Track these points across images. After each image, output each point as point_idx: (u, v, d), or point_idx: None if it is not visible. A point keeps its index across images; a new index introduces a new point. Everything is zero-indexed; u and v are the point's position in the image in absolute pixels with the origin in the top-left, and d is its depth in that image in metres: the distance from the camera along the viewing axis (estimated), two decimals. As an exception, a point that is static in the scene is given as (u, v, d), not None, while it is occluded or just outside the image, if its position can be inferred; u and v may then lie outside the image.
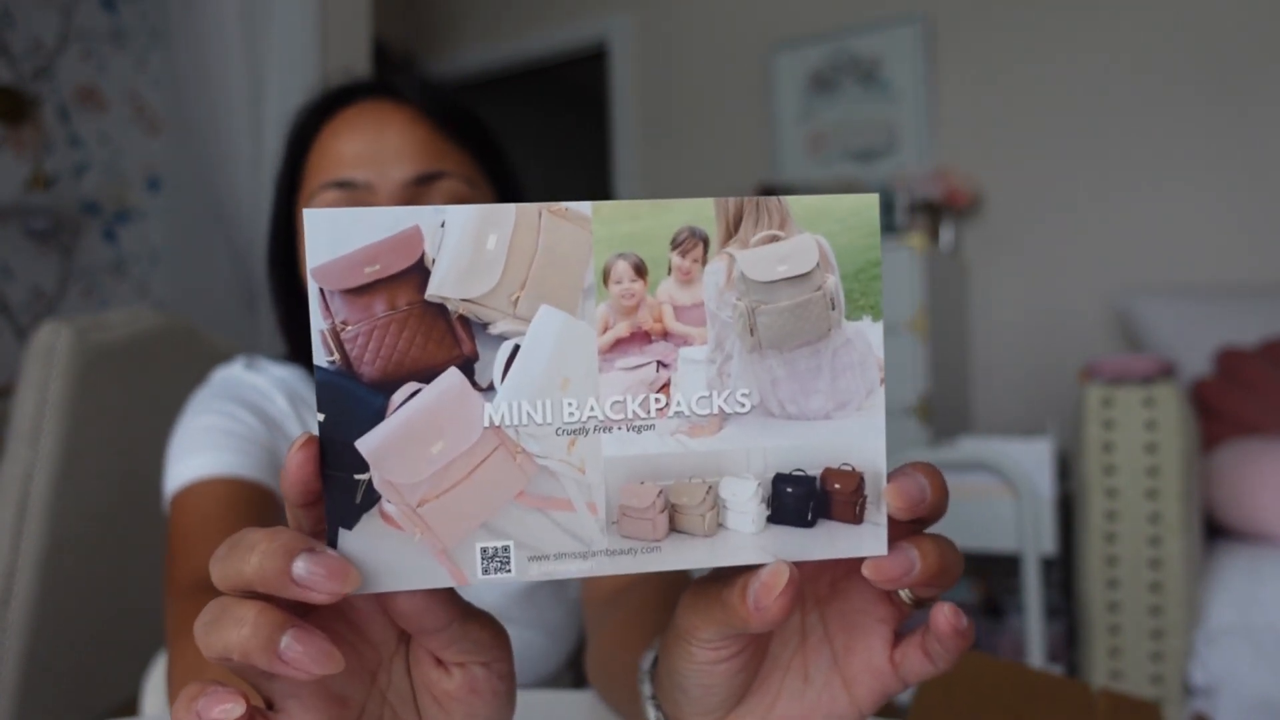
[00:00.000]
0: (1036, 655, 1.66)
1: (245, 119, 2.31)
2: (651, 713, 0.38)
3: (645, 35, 3.32)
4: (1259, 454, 1.70)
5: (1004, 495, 1.74)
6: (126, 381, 1.12)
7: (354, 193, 0.68)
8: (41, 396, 1.01)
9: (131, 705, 1.09)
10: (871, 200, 0.30)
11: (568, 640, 0.80)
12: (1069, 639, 1.89)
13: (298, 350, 0.78)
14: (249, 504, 0.66)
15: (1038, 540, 1.69)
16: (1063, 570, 1.96)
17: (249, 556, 0.26)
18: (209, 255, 2.62)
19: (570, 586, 0.79)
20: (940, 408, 2.40)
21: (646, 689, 0.39)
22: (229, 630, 0.26)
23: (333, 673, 0.27)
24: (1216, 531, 1.81)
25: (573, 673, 0.83)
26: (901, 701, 1.62)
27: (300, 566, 0.26)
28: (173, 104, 2.91)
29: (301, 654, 0.26)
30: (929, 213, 2.60)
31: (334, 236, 0.28)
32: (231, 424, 0.70)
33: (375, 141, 0.69)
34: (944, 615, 0.31)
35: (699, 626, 0.32)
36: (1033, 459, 1.76)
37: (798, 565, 0.30)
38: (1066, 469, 1.94)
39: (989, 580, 2.02)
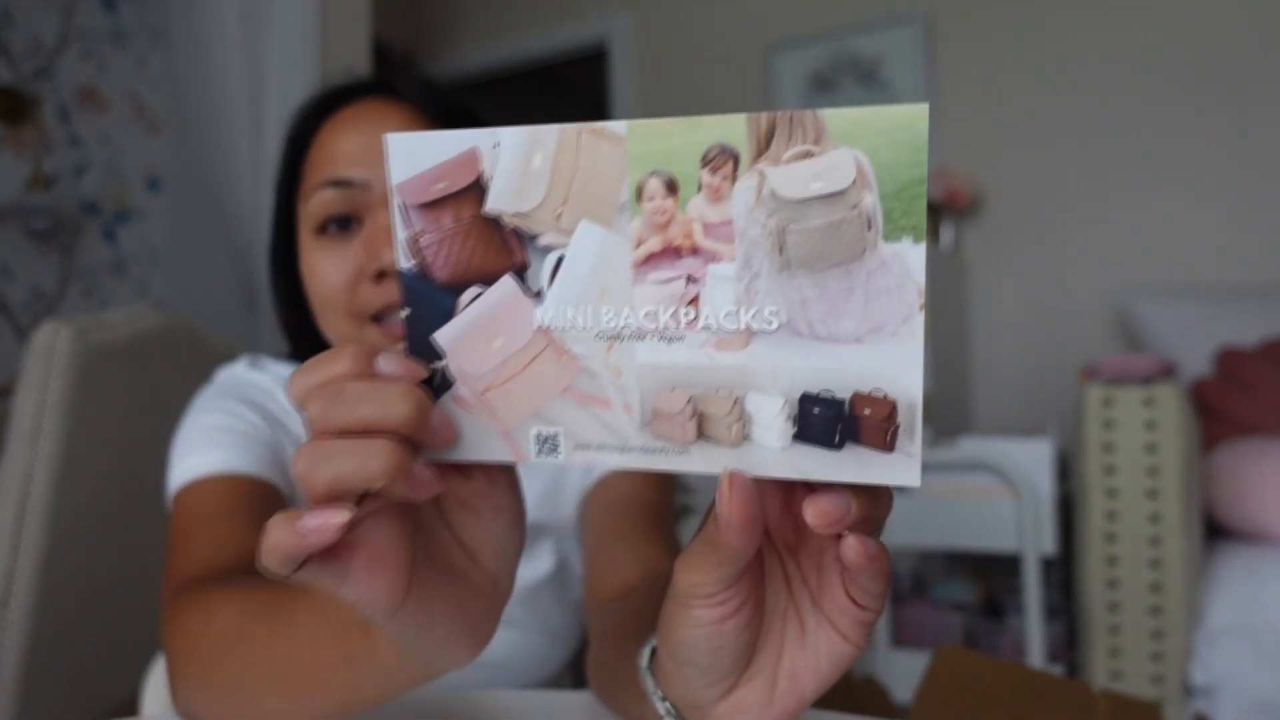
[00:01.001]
0: (1036, 655, 1.66)
1: (245, 119, 2.31)
2: (660, 705, 0.38)
3: (645, 35, 3.32)
4: (1259, 454, 1.70)
5: (1004, 495, 1.74)
6: (126, 382, 1.12)
7: (351, 191, 0.68)
8: (41, 397, 1.01)
9: (131, 705, 1.09)
10: (921, 111, 0.28)
11: (569, 643, 0.80)
12: (1069, 639, 1.89)
13: (300, 349, 0.78)
14: (252, 501, 0.66)
15: (1038, 540, 1.69)
16: (1063, 570, 1.96)
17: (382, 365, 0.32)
18: (209, 255, 2.62)
19: (572, 589, 0.79)
20: (940, 408, 2.40)
21: (650, 684, 0.39)
22: (372, 460, 0.29)
23: (441, 491, 0.32)
24: (1216, 532, 1.81)
25: (573, 674, 0.83)
26: (902, 701, 1.63)
27: (383, 362, 0.32)
28: (173, 104, 2.91)
29: (428, 479, 0.31)
30: (929, 213, 2.60)
31: (410, 157, 0.32)
32: (235, 422, 0.70)
33: (372, 140, 0.69)
34: (850, 546, 0.31)
35: (698, 580, 0.33)
36: (1033, 459, 1.76)
37: (816, 488, 0.30)
38: (1066, 469, 1.94)
39: (989, 580, 2.02)
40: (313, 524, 0.29)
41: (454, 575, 0.35)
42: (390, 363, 0.32)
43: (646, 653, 0.40)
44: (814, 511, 0.30)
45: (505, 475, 0.35)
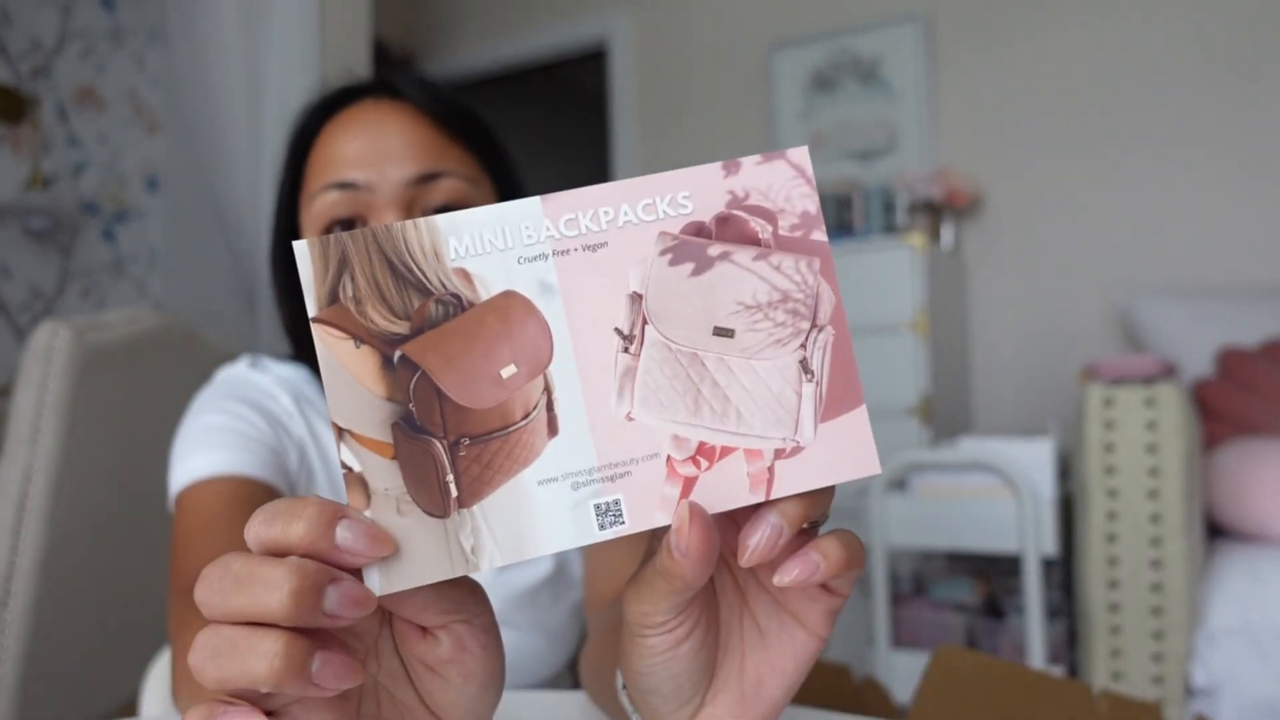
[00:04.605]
0: (1037, 656, 1.66)
1: (244, 118, 2.31)
2: None
3: (645, 34, 3.32)
4: (1260, 454, 1.69)
5: (1005, 495, 1.74)
6: (125, 382, 1.12)
7: (355, 194, 0.68)
8: (40, 397, 1.01)
9: (131, 705, 1.09)
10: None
11: (567, 644, 0.80)
12: (1070, 640, 1.89)
13: (301, 350, 0.78)
14: (254, 502, 0.66)
15: (1038, 541, 1.69)
16: (1063, 571, 1.96)
17: (293, 524, 0.27)
18: (208, 255, 2.62)
19: (571, 591, 0.79)
20: (941, 408, 2.40)
21: (627, 705, 0.38)
22: (254, 662, 0.26)
23: (358, 683, 0.27)
24: (1217, 532, 1.81)
25: (572, 675, 0.83)
26: (901, 702, 1.62)
27: (342, 533, 0.27)
28: (171, 103, 2.90)
29: (331, 675, 0.27)
30: (929, 213, 2.60)
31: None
32: (236, 423, 0.70)
33: (375, 142, 0.69)
34: (787, 575, 0.31)
35: (648, 610, 0.32)
36: (1033, 459, 1.76)
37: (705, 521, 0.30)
38: (1067, 469, 1.94)
39: (989, 581, 2.02)
40: None
41: None
42: (351, 534, 0.27)
43: (620, 675, 0.39)
44: (783, 577, 0.30)
45: (477, 642, 0.31)
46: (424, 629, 0.31)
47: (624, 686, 0.39)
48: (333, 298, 0.29)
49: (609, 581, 0.70)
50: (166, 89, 2.94)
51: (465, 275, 0.29)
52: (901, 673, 1.80)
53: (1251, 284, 2.39)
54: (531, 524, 0.29)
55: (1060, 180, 2.64)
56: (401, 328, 0.29)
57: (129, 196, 2.90)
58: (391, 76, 0.74)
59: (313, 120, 0.73)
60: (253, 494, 0.66)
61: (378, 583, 0.28)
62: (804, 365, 0.30)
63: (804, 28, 3.00)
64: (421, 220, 0.29)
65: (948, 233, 2.68)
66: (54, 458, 1.01)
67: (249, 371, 0.77)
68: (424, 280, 0.29)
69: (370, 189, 0.68)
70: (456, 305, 0.29)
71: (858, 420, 0.30)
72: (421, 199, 0.69)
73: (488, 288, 0.29)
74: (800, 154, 0.31)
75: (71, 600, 1.06)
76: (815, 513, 0.31)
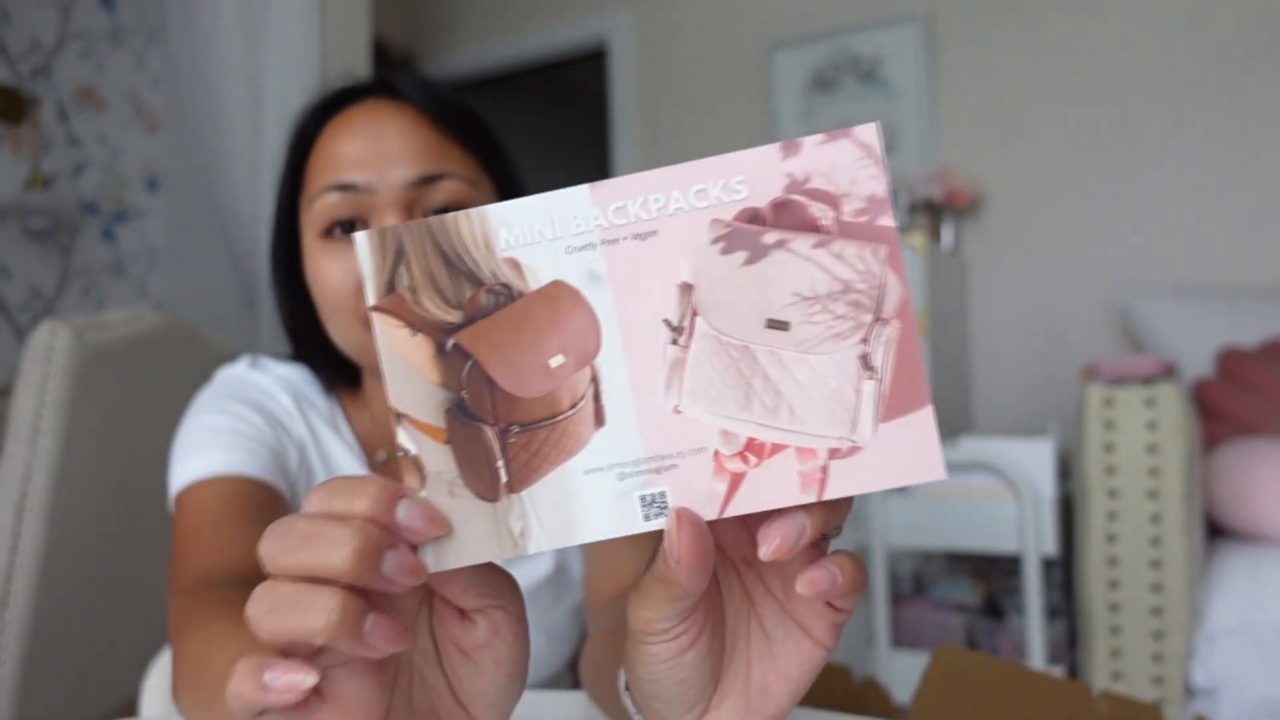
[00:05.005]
0: (1037, 656, 1.66)
1: (244, 118, 2.31)
2: None
3: (645, 33, 3.32)
4: (1261, 454, 1.69)
5: (1005, 496, 1.74)
6: (125, 381, 1.12)
7: (355, 195, 0.68)
8: (40, 397, 1.00)
9: (131, 705, 1.09)
10: None
11: (568, 643, 0.80)
12: (1070, 640, 1.89)
13: (301, 350, 0.78)
14: (254, 502, 0.66)
15: (1039, 541, 1.69)
16: (1064, 571, 1.96)
17: (355, 500, 0.28)
18: (208, 255, 2.62)
19: (571, 590, 0.79)
20: (941, 408, 2.38)
21: (630, 706, 0.38)
22: (312, 616, 0.27)
23: (402, 649, 0.29)
24: (1218, 532, 1.80)
25: (573, 675, 0.83)
26: (902, 702, 1.62)
27: (402, 511, 0.28)
28: (171, 103, 2.90)
29: (382, 636, 0.28)
30: (929, 212, 2.60)
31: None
32: (237, 423, 0.70)
33: (376, 143, 0.68)
34: (807, 584, 0.31)
35: (651, 617, 0.32)
36: (1034, 459, 1.76)
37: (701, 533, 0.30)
38: (1067, 469, 1.94)
39: (989, 581, 2.02)
40: (278, 683, 0.27)
41: None
42: (410, 513, 0.29)
43: (623, 676, 0.39)
44: (806, 583, 0.30)
45: (511, 630, 0.32)
46: (462, 613, 0.32)
47: (627, 688, 0.38)
48: (390, 287, 0.30)
49: (610, 582, 0.70)
50: (166, 89, 2.94)
51: (515, 265, 0.29)
52: (902, 673, 1.80)
53: (1252, 284, 2.39)
54: (577, 511, 0.29)
55: (1060, 180, 2.64)
56: (454, 316, 0.30)
57: (129, 196, 2.90)
58: (392, 77, 0.74)
59: (313, 121, 0.73)
60: (253, 494, 0.66)
61: (431, 560, 0.29)
62: (865, 361, 0.28)
63: (804, 27, 3.00)
64: (474, 211, 0.30)
65: (948, 233, 2.68)
66: (54, 458, 1.01)
67: (249, 372, 0.77)
68: (476, 270, 0.30)
69: (371, 190, 0.68)
70: (506, 295, 0.29)
71: (923, 421, 0.28)
72: (422, 200, 0.68)
73: (537, 277, 0.29)
74: (868, 132, 0.28)
75: (71, 600, 1.06)
76: (837, 521, 0.31)
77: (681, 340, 0.29)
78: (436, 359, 0.30)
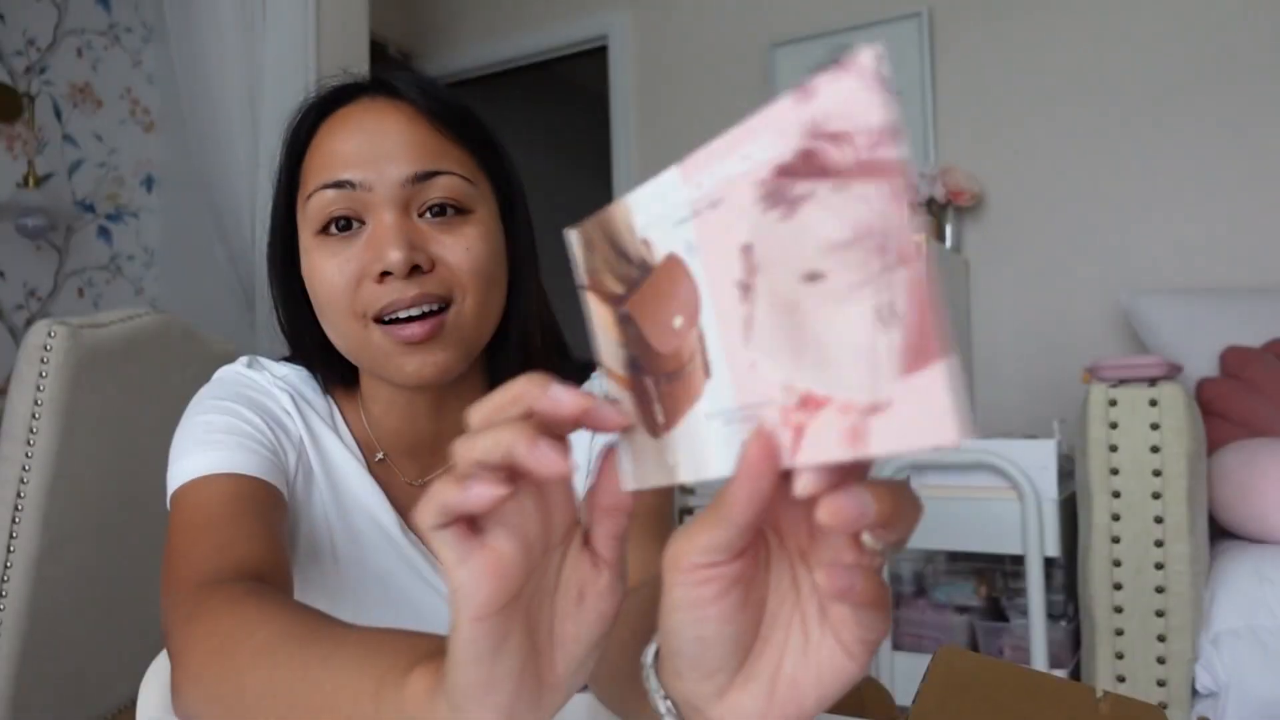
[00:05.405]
0: (1040, 658, 1.65)
1: (241, 116, 2.30)
2: (661, 704, 0.37)
3: (645, 31, 3.31)
4: (1264, 455, 1.69)
5: (1007, 496, 1.73)
6: (120, 381, 1.11)
7: (351, 193, 0.67)
8: (35, 396, 1.00)
9: (129, 706, 1.08)
10: None
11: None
12: (1073, 641, 1.88)
13: (299, 349, 0.78)
14: (252, 500, 0.65)
15: (1041, 541, 1.68)
16: (1067, 572, 1.95)
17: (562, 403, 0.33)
18: (204, 254, 2.61)
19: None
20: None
21: (653, 682, 0.38)
22: (503, 432, 0.31)
23: (563, 477, 0.32)
24: (1221, 533, 1.80)
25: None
26: (903, 704, 1.61)
27: (604, 407, 0.34)
28: (168, 102, 2.89)
29: (552, 455, 0.31)
30: (930, 212, 2.59)
31: None
32: (235, 422, 0.70)
33: (372, 141, 0.68)
34: (823, 578, 0.32)
35: (686, 548, 0.33)
36: (1036, 460, 1.76)
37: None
38: (1070, 470, 1.93)
39: (992, 582, 2.01)
40: (477, 488, 0.31)
41: (533, 646, 0.35)
42: (610, 409, 0.34)
43: (652, 650, 0.39)
44: (829, 510, 0.29)
45: (615, 595, 0.36)
46: (596, 558, 0.36)
47: (652, 665, 0.39)
48: (590, 270, 0.38)
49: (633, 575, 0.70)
50: (163, 87, 2.93)
51: (647, 244, 0.34)
52: (902, 675, 1.79)
53: (1255, 284, 2.39)
54: (704, 451, 0.33)
55: (1062, 179, 2.63)
56: (621, 289, 0.36)
57: (125, 195, 2.89)
58: (388, 75, 0.73)
59: (309, 119, 0.72)
60: (252, 493, 0.66)
61: (629, 477, 0.36)
62: (880, 310, 0.26)
63: (804, 27, 2.99)
64: (620, 201, 0.35)
65: (949, 232, 2.68)
66: (49, 457, 1.00)
67: (248, 371, 0.76)
68: (627, 251, 0.35)
69: (367, 188, 0.67)
70: (645, 270, 0.35)
71: (936, 376, 0.25)
72: (419, 198, 0.68)
73: (660, 252, 0.34)
74: (867, 56, 0.25)
75: (67, 600, 1.05)
76: (898, 523, 0.31)
77: (748, 299, 0.31)
78: (617, 324, 0.37)
